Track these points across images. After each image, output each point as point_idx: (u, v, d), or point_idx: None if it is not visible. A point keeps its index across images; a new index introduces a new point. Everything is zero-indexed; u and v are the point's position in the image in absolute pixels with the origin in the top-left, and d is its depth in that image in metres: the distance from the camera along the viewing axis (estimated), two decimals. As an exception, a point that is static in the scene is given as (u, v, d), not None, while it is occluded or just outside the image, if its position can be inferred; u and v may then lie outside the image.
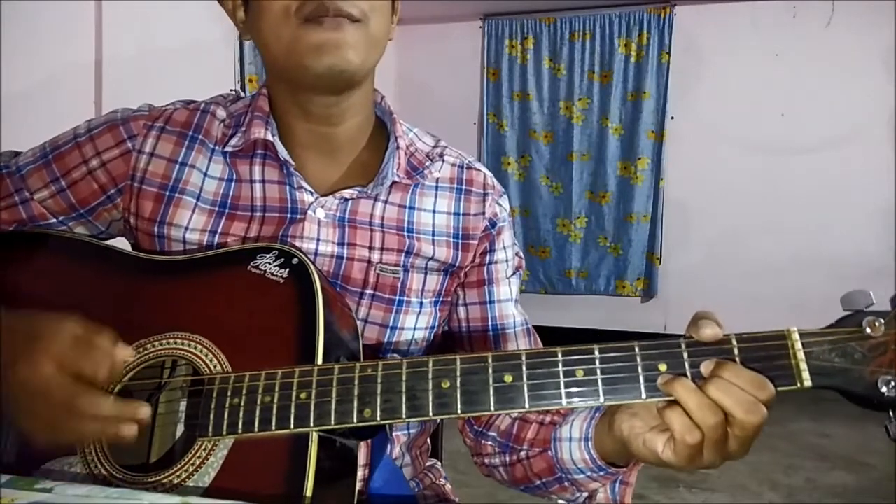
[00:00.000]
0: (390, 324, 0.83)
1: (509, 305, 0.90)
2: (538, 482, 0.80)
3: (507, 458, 0.84)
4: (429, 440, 0.97)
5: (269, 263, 0.71)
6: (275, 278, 0.70)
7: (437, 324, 0.88)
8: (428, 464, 0.96)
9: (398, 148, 0.85)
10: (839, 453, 3.07)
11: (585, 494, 0.78)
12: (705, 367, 0.60)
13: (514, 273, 0.92)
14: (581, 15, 4.49)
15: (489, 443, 0.86)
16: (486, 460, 0.87)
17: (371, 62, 0.79)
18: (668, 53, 4.36)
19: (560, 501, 0.82)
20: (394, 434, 0.85)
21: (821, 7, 4.08)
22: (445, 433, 1.10)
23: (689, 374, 0.60)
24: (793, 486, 2.75)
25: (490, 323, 0.89)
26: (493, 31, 4.66)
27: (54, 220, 0.84)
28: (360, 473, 0.79)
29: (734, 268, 4.19)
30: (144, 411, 0.64)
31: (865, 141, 4.09)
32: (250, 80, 3.47)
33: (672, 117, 4.40)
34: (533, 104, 4.62)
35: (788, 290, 4.04)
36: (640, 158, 4.44)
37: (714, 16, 4.31)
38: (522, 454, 0.81)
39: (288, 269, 0.70)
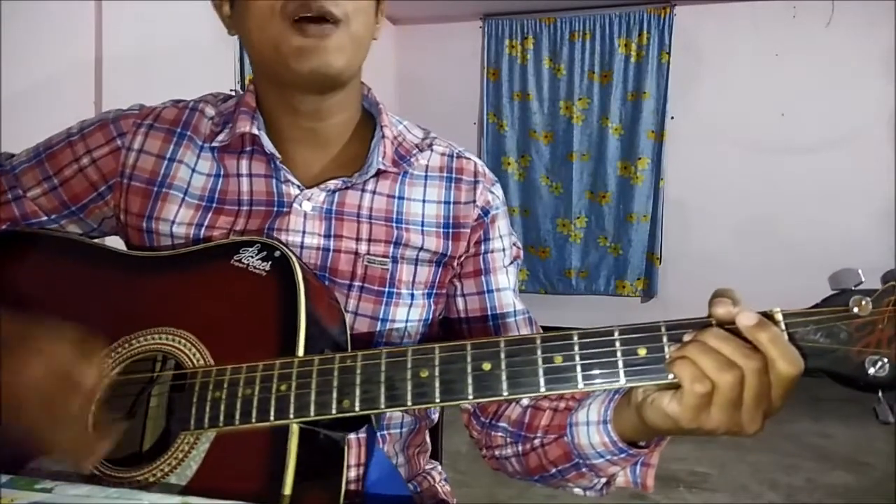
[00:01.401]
0: (380, 316, 0.82)
1: (508, 294, 0.88)
2: (553, 470, 0.77)
3: (520, 448, 0.81)
4: (428, 440, 0.95)
5: (252, 257, 0.71)
6: (257, 272, 0.70)
7: (431, 317, 0.87)
8: (428, 466, 0.94)
9: (384, 137, 0.85)
10: (839, 453, 3.06)
11: (604, 480, 0.75)
12: (688, 337, 0.58)
13: (511, 262, 0.90)
14: (581, 15, 4.49)
15: (499, 434, 0.83)
16: (497, 452, 0.84)
17: (355, 63, 0.79)
18: (668, 53, 4.36)
19: (576, 490, 0.79)
20: (385, 432, 0.84)
21: (821, 7, 4.08)
22: (445, 433, 1.08)
23: (668, 358, 0.59)
24: (793, 486, 2.74)
25: (490, 313, 0.87)
26: (493, 31, 4.66)
27: (46, 218, 0.85)
28: (354, 473, 0.78)
29: (734, 268, 4.18)
30: (102, 446, 0.65)
31: (865, 141, 4.09)
32: (250, 81, 3.46)
33: (672, 117, 4.40)
34: (533, 104, 4.62)
35: (788, 290, 4.00)
36: (640, 158, 4.44)
37: (714, 16, 4.31)
38: (536, 442, 0.79)
39: (270, 263, 0.70)
